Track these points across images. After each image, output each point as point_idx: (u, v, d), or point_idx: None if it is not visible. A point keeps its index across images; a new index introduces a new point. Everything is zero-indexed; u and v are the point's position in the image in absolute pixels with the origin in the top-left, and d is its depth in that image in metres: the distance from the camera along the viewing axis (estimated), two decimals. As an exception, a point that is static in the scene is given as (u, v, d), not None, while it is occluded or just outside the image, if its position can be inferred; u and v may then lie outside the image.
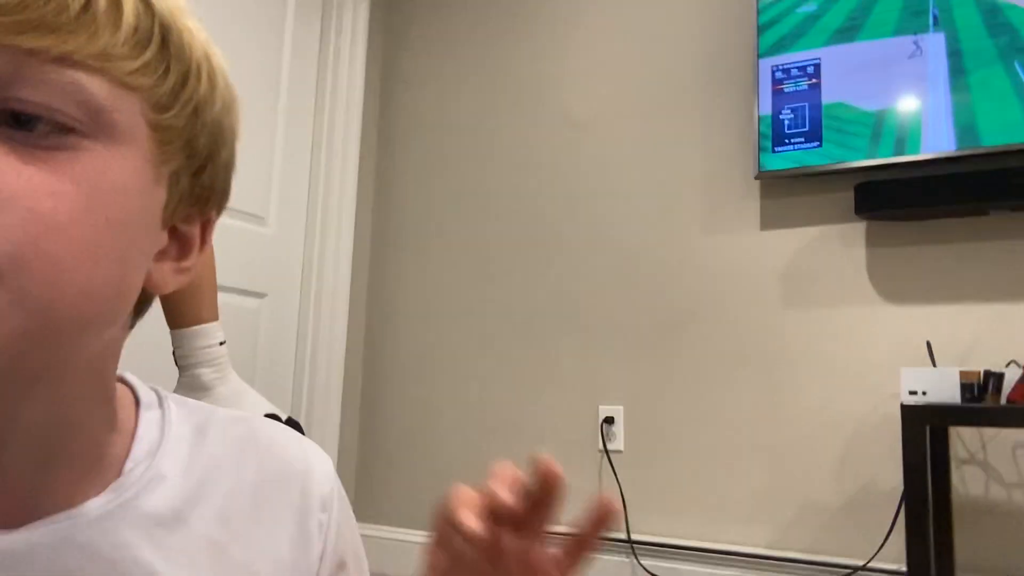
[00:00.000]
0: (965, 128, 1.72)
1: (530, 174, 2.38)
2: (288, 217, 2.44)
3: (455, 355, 2.41)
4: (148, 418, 0.43)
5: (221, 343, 1.32)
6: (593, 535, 0.45)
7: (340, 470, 2.43)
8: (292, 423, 1.27)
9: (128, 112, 0.36)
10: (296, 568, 0.44)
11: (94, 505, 0.38)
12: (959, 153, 1.73)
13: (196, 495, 0.41)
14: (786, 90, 1.94)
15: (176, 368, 1.27)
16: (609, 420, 2.12)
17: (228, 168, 0.44)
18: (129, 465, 0.40)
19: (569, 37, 2.39)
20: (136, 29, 0.35)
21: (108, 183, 0.35)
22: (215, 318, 1.29)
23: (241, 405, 1.25)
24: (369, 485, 2.48)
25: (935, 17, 1.77)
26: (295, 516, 0.45)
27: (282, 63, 2.46)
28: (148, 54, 0.36)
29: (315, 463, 0.49)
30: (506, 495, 0.44)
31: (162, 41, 0.37)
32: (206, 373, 1.26)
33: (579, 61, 2.36)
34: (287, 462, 0.47)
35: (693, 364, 2.06)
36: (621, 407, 2.13)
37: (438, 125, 2.59)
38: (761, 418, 1.96)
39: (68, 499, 0.37)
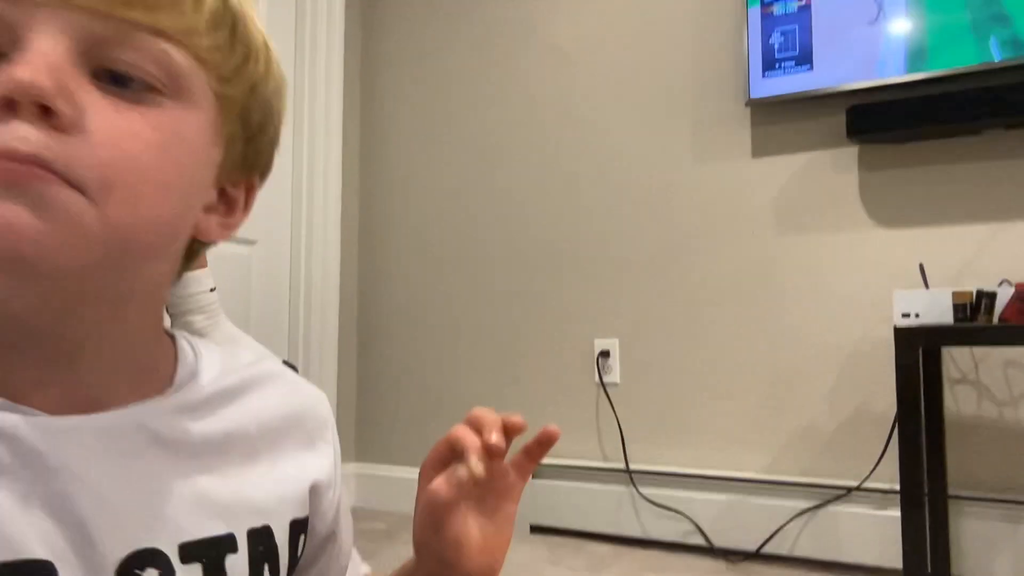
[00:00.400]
0: (959, 46, 1.69)
1: (519, 108, 2.35)
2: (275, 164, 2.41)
3: (449, 293, 2.40)
4: (183, 344, 0.51)
5: (212, 289, 1.31)
6: (537, 455, 0.60)
7: (339, 412, 2.46)
8: (288, 365, 1.27)
9: (200, 80, 0.44)
10: (314, 477, 0.53)
11: (156, 401, 0.46)
12: (949, 72, 1.70)
13: (232, 400, 0.50)
14: (775, 13, 1.90)
15: (168, 316, 1.26)
16: (605, 353, 2.14)
17: (273, 143, 0.53)
18: (178, 377, 0.48)
19: (553, -35, 2.33)
20: (214, 14, 0.43)
21: (180, 135, 0.43)
22: (203, 265, 1.28)
23: (241, 340, 1.25)
24: (368, 426, 2.50)
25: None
26: (311, 437, 0.55)
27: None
28: (221, 35, 0.44)
29: (322, 399, 0.58)
30: (499, 440, 0.57)
31: (233, 26, 0.45)
32: (198, 320, 1.26)
33: (564, -10, 2.30)
34: (302, 396, 0.56)
35: (687, 294, 2.06)
36: (616, 340, 2.13)
37: (426, 59, 2.53)
38: (755, 346, 1.97)
39: (131, 400, 0.45)
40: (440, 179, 2.46)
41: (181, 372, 0.49)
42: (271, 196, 2.39)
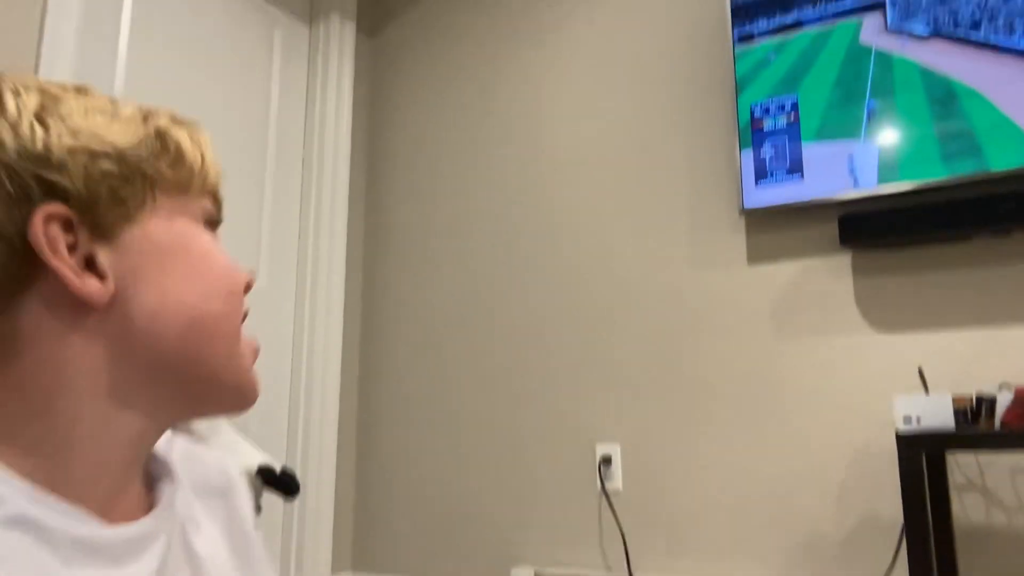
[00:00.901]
0: (947, 157, 1.75)
1: (517, 212, 2.41)
2: (279, 274, 2.45)
3: (449, 397, 2.40)
4: None
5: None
6: None
7: (337, 519, 2.41)
8: (287, 473, 1.26)
9: None
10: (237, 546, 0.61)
11: (167, 497, 0.54)
12: (940, 183, 1.76)
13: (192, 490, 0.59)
14: (766, 128, 1.98)
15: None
16: (607, 460, 2.11)
17: None
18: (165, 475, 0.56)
19: (553, 74, 2.44)
20: None
21: None
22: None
23: (235, 455, 1.24)
24: (366, 533, 2.45)
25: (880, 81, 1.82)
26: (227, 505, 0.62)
27: (270, 103, 2.49)
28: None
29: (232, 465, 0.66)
30: None
31: None
32: (198, 427, 1.26)
33: (562, 97, 2.40)
34: (218, 471, 0.63)
35: (687, 400, 2.06)
36: (618, 445, 2.12)
37: (424, 159, 2.61)
38: (757, 452, 1.95)
39: (142, 499, 0.53)
40: (444, 278, 2.49)
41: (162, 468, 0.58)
42: (273, 291, 2.42)
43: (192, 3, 2.25)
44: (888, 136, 1.83)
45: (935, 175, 1.76)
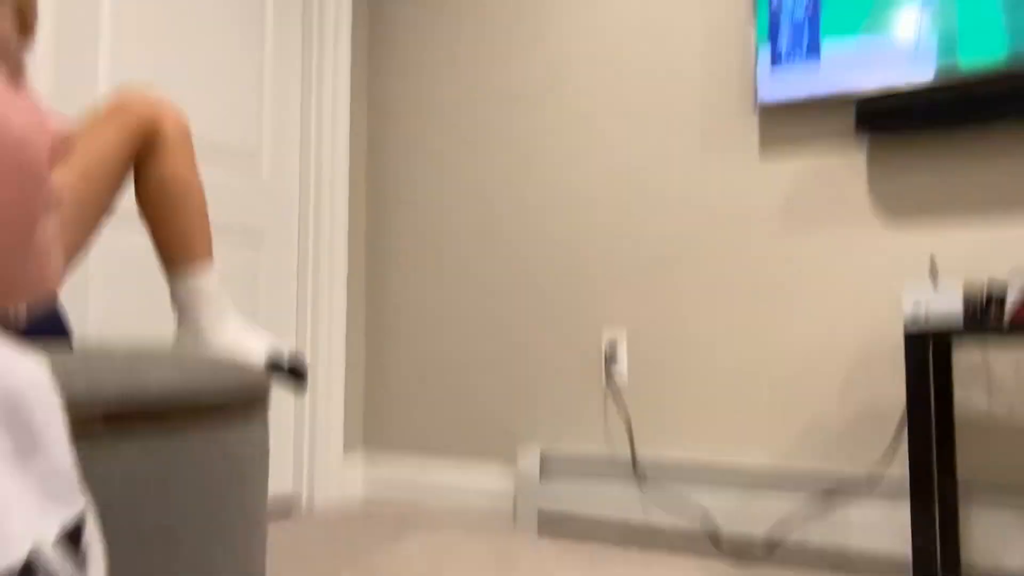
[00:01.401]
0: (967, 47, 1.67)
1: (527, 103, 2.34)
2: (281, 161, 2.41)
3: (459, 288, 2.40)
4: None
5: (217, 282, 1.31)
6: None
7: (347, 399, 2.47)
8: (293, 366, 1.27)
9: None
10: None
11: None
12: (964, 72, 1.68)
13: None
14: (783, 18, 1.88)
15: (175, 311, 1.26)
16: (612, 347, 2.13)
17: None
18: None
19: (563, -45, 2.31)
20: None
21: None
22: (209, 255, 1.28)
23: (245, 341, 1.25)
24: (377, 415, 2.51)
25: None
26: None
27: (265, 48, 2.38)
28: None
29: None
30: None
31: None
32: (205, 315, 1.26)
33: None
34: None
35: (694, 288, 2.05)
36: (624, 330, 2.13)
37: (431, 51, 2.52)
38: (765, 343, 1.96)
39: None
40: (448, 177, 2.45)
41: None
42: (278, 187, 2.40)
43: None
44: (909, 26, 1.74)
45: (959, 61, 1.68)
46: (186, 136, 1.24)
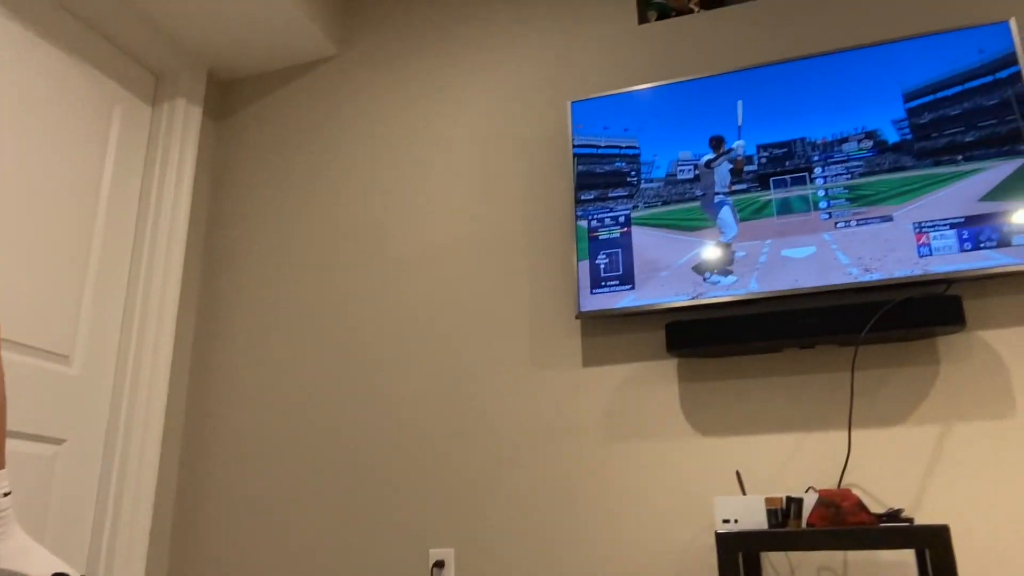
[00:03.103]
0: (762, 275, 1.92)
1: (360, 310, 2.39)
2: (97, 356, 2.28)
3: (278, 499, 2.28)
4: None
5: (5, 494, 1.19)
6: None
7: (141, 637, 2.19)
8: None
9: None
10: None
11: None
12: (757, 295, 1.92)
13: None
14: (601, 237, 2.09)
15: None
16: (440, 564, 2.06)
17: None
18: None
19: (401, 176, 2.48)
20: None
21: None
22: (1, 466, 1.17)
23: (27, 562, 1.12)
24: (175, 653, 2.23)
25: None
26: None
27: (101, 191, 2.37)
28: None
29: None
30: None
31: None
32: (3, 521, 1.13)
33: (410, 199, 2.44)
34: None
35: (521, 501, 2.06)
36: (452, 550, 2.08)
37: (267, 256, 2.56)
38: (589, 554, 1.97)
39: None
40: (282, 374, 2.41)
41: None
42: (89, 391, 2.24)
43: (28, 65, 2.14)
44: (713, 252, 1.99)
45: (753, 289, 1.92)
46: None
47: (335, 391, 2.33)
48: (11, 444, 1.21)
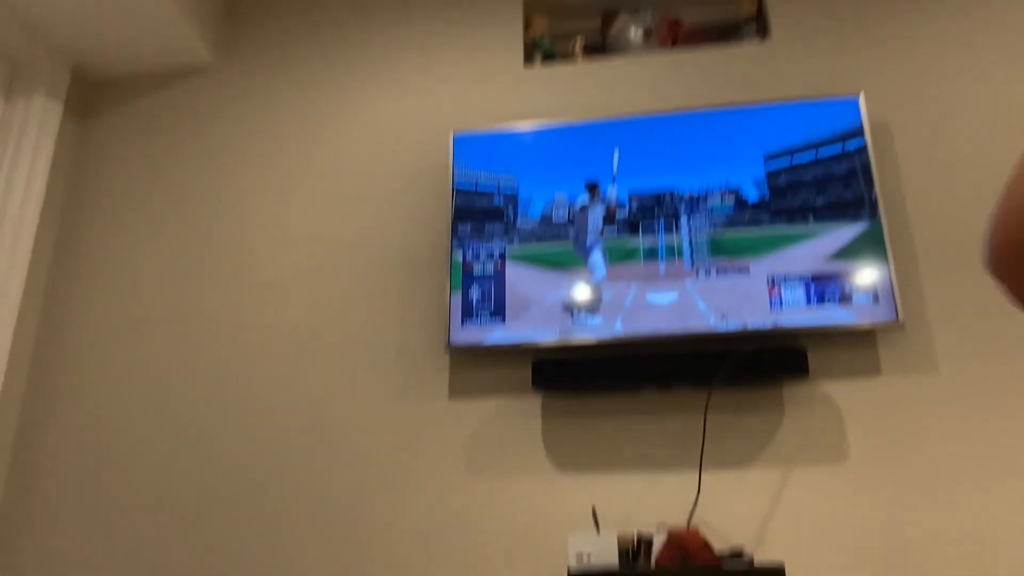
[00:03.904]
0: (627, 318, 1.99)
1: (220, 329, 2.29)
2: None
3: (120, 541, 2.14)
4: None
5: None
6: None
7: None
8: None
9: None
10: None
11: None
12: (621, 338, 1.98)
13: None
14: (475, 272, 2.11)
15: None
16: (289, 597, 1.99)
17: None
18: None
19: (268, 199, 2.42)
20: None
21: None
22: None
23: None
24: None
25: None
26: None
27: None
28: None
29: None
30: None
31: None
32: None
33: (276, 223, 2.38)
34: None
35: (382, 542, 2.02)
36: (302, 582, 2.01)
37: (123, 266, 2.42)
38: (444, 588, 1.95)
39: None
40: (127, 407, 2.27)
41: None
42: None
43: None
44: (582, 291, 2.04)
45: (617, 331, 1.98)
46: None
47: (189, 414, 2.22)
48: None
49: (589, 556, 1.61)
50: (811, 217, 2.02)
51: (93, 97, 2.69)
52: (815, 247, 1.98)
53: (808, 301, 1.94)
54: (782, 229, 2.02)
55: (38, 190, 2.39)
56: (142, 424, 2.23)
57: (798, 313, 1.93)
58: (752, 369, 1.88)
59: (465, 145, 2.24)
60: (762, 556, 1.84)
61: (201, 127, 2.57)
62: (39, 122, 2.42)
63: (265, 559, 2.04)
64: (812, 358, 1.99)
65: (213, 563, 2.06)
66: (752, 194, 2.06)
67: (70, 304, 2.41)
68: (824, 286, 1.94)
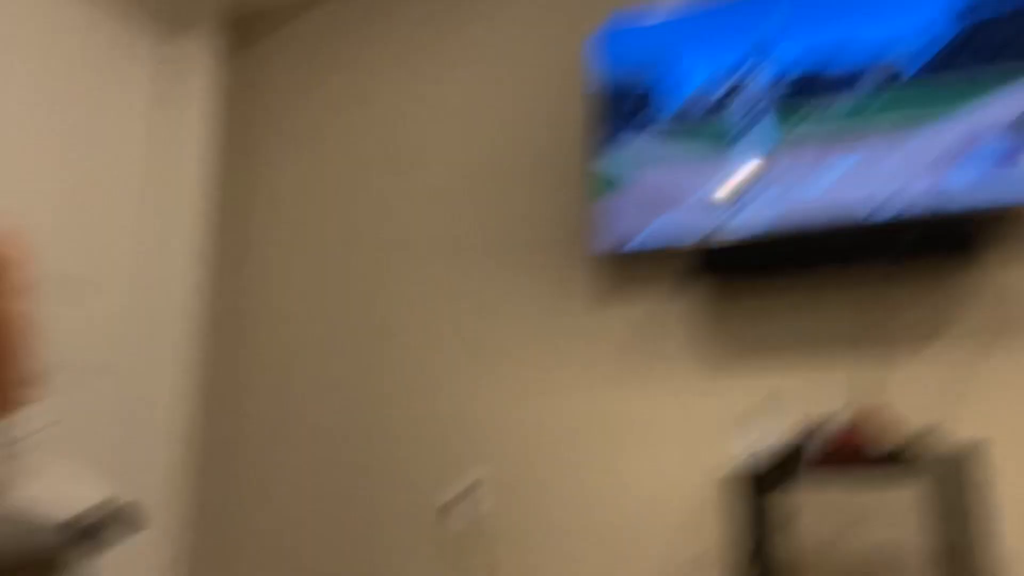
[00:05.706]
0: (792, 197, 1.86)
1: (380, 237, 2.38)
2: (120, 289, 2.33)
3: (306, 447, 2.33)
4: None
5: (42, 427, 1.23)
6: None
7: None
8: (123, 509, 1.18)
9: None
10: None
11: None
12: (784, 221, 1.86)
13: None
14: (619, 172, 2.02)
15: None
16: (472, 489, 2.10)
17: None
18: None
19: (423, 112, 2.43)
20: None
21: None
22: (32, 400, 1.20)
23: (55, 500, 1.16)
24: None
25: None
26: None
27: (108, 125, 2.37)
28: None
29: None
30: None
31: None
32: (24, 460, 1.17)
33: (433, 130, 2.40)
34: None
35: (546, 438, 2.07)
36: (484, 472, 2.11)
37: (294, 199, 2.54)
38: (596, 498, 1.99)
39: None
40: (310, 330, 2.42)
41: None
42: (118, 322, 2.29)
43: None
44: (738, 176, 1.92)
45: (781, 212, 1.86)
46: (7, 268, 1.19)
47: (364, 311, 2.34)
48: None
49: (750, 455, 1.56)
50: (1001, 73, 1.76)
51: (247, 30, 2.76)
52: (1003, 106, 1.74)
53: (998, 163, 1.72)
54: (968, 85, 1.78)
55: (207, 116, 2.53)
56: (323, 322, 2.38)
57: (981, 181, 1.72)
58: (938, 243, 1.72)
59: (607, 37, 2.11)
60: (959, 435, 1.72)
61: (362, 46, 2.57)
62: (200, 56, 2.54)
63: (422, 456, 2.16)
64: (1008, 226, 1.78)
65: (376, 456, 2.21)
66: (931, 49, 1.83)
67: (252, 218, 2.58)
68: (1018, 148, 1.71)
